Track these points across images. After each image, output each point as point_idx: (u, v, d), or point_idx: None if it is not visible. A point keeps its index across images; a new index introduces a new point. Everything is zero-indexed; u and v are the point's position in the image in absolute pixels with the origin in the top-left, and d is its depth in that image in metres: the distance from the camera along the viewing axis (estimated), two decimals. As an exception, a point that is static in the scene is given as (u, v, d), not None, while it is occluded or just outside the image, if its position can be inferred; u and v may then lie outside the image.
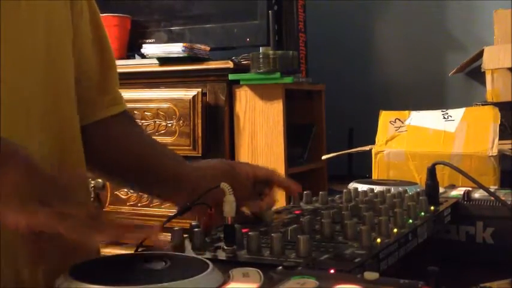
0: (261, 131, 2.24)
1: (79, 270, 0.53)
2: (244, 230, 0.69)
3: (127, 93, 2.30)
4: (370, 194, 0.96)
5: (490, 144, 1.57)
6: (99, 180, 2.26)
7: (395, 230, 0.72)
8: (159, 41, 2.58)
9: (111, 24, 2.55)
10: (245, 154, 2.25)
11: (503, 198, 0.91)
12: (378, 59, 2.87)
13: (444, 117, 1.70)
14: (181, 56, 2.30)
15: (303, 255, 0.61)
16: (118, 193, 2.44)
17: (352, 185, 1.09)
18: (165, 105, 2.33)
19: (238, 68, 2.28)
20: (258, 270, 0.55)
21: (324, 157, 2.01)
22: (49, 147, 0.80)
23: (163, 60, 2.36)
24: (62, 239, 0.58)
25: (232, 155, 2.27)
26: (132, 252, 0.64)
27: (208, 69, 2.30)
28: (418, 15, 2.75)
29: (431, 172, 0.94)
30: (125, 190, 2.40)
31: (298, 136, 2.44)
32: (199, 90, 2.28)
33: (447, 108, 1.76)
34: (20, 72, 0.76)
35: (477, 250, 0.91)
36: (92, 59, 0.93)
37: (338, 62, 2.86)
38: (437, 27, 2.73)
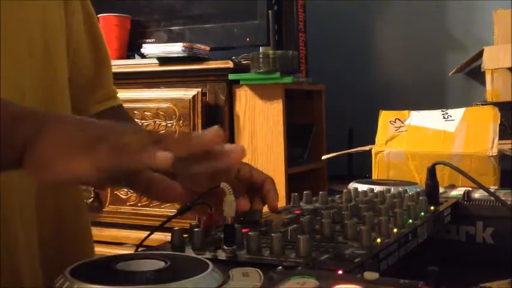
0: (261, 131, 2.24)
1: (79, 270, 0.53)
2: (244, 230, 0.69)
3: (127, 93, 2.33)
4: (370, 194, 0.96)
5: (490, 144, 1.57)
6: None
7: (395, 230, 0.72)
8: (159, 40, 2.58)
9: (111, 24, 2.56)
10: (245, 154, 2.25)
11: (503, 198, 0.91)
12: (378, 59, 2.87)
13: (444, 117, 1.70)
14: (181, 55, 2.30)
15: (303, 255, 0.61)
16: (118, 193, 2.44)
17: (352, 185, 1.09)
18: (165, 105, 2.33)
19: (238, 68, 2.28)
20: (258, 270, 0.55)
21: (324, 157, 2.01)
22: None
23: (163, 60, 2.36)
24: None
25: (232, 155, 2.27)
26: (132, 252, 0.64)
27: (208, 69, 2.30)
28: (418, 15, 2.75)
29: (431, 172, 0.94)
30: (125, 190, 2.40)
31: (298, 136, 2.45)
32: (199, 90, 2.28)
33: (447, 108, 1.76)
34: (16, 70, 0.76)
35: (477, 250, 0.91)
36: (87, 58, 0.94)
37: (338, 62, 2.86)
38: (437, 27, 2.73)
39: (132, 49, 2.66)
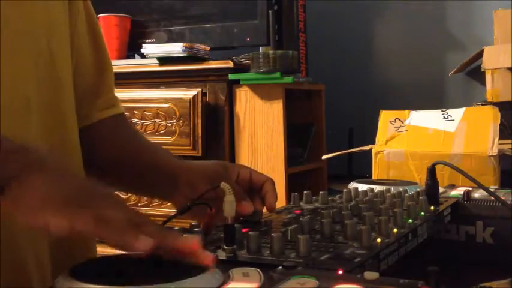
0: (261, 131, 2.24)
1: (79, 270, 0.53)
2: (244, 230, 0.69)
3: (127, 93, 2.32)
4: (370, 193, 0.96)
5: (490, 144, 1.57)
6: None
7: (395, 230, 0.72)
8: (159, 41, 2.58)
9: (111, 24, 2.56)
10: (245, 154, 2.25)
11: (503, 198, 0.91)
12: (377, 59, 2.87)
13: (444, 117, 1.70)
14: (181, 55, 2.30)
15: (303, 255, 0.61)
16: (118, 193, 2.44)
17: (352, 185, 1.09)
18: (165, 105, 2.33)
19: (238, 68, 2.28)
20: (258, 270, 0.55)
21: (323, 157, 2.01)
22: (49, 145, 0.80)
23: (163, 60, 2.36)
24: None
25: (232, 155, 2.27)
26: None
27: (208, 69, 2.30)
28: (418, 15, 2.75)
29: (431, 172, 0.94)
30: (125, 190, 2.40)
31: (298, 136, 2.44)
32: (199, 90, 2.28)
33: (447, 108, 1.76)
34: (21, 79, 0.76)
35: (477, 250, 0.91)
36: (88, 61, 0.93)
37: (338, 62, 2.86)
38: (437, 27, 2.73)
39: (132, 49, 2.66)
